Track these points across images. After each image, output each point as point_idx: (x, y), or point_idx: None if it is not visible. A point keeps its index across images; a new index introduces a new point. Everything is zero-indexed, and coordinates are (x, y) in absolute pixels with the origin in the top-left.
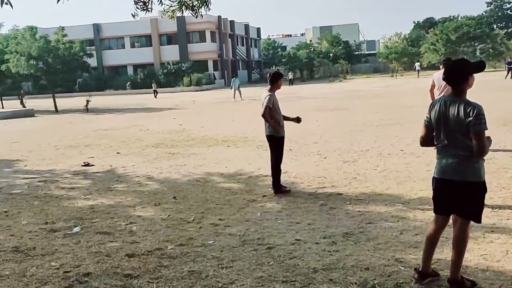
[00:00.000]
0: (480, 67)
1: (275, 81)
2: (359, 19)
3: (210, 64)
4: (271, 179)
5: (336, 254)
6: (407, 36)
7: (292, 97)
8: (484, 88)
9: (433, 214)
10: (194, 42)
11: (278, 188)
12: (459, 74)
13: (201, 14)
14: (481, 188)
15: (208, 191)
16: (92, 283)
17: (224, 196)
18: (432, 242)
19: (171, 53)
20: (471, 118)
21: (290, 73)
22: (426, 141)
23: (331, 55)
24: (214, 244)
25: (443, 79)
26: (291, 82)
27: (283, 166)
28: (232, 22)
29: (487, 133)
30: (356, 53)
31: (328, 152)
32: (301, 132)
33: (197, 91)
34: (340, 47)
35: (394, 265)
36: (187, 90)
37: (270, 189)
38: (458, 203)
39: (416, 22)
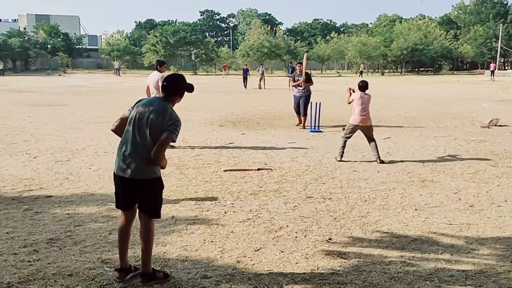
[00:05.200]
0: (191, 88)
1: None
2: (80, 11)
3: None
4: None
5: (37, 263)
6: (129, 35)
7: (2, 89)
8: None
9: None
10: None
11: None
12: (178, 87)
13: None
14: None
15: None
16: None
17: None
18: (124, 237)
19: None
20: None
21: (0, 62)
22: (118, 129)
23: (49, 46)
24: None
25: (162, 86)
26: (1, 72)
27: None
28: None
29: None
30: (78, 46)
31: (39, 151)
32: (8, 129)
33: None
34: (59, 39)
35: (100, 267)
36: None
37: None
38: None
39: (138, 22)
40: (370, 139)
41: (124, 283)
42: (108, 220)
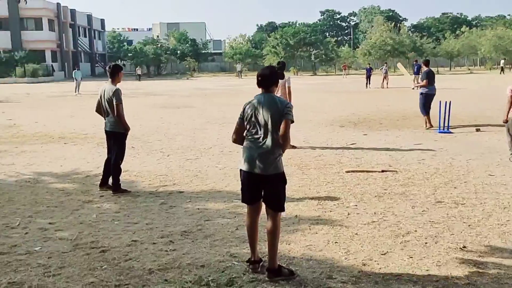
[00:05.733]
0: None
1: (116, 73)
2: (206, 18)
3: (48, 55)
4: (111, 178)
5: (173, 253)
6: (251, 38)
7: (138, 93)
8: (327, 91)
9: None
10: (29, 30)
11: (117, 188)
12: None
13: (25, 1)
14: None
15: (38, 192)
16: None
17: (57, 197)
18: (252, 230)
19: (1, 39)
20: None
21: (138, 68)
22: (238, 138)
23: (178, 52)
24: (42, 250)
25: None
26: (139, 77)
27: (125, 164)
28: (73, 11)
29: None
30: (203, 51)
31: (171, 149)
32: (144, 129)
33: (32, 83)
34: (187, 45)
35: (229, 260)
36: (21, 82)
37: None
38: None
39: (259, 26)
40: None
41: (252, 277)
42: (235, 216)
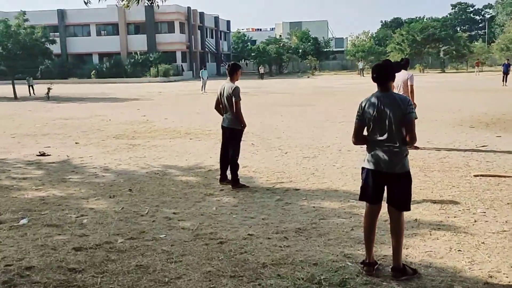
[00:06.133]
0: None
1: (234, 71)
2: (328, 16)
3: (179, 56)
4: (229, 173)
5: (286, 249)
6: (374, 35)
7: (259, 91)
8: (456, 89)
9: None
10: (163, 33)
11: (236, 183)
12: (391, 73)
13: (157, 5)
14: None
15: (165, 184)
16: (33, 277)
17: (181, 189)
18: (371, 230)
19: (138, 42)
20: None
21: (261, 67)
22: (359, 139)
23: (300, 51)
24: (166, 238)
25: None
26: (261, 76)
27: (244, 160)
28: (201, 14)
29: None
30: (325, 49)
31: (289, 147)
32: (264, 127)
33: (164, 82)
34: (309, 43)
35: (342, 260)
36: (154, 81)
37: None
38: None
39: (383, 22)
40: None
41: (366, 280)
42: (351, 217)
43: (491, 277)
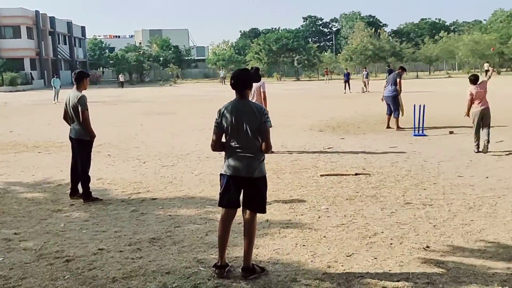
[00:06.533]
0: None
1: (81, 80)
2: (189, 25)
3: (27, 63)
4: (81, 187)
5: (139, 261)
6: (234, 44)
7: (119, 100)
8: (309, 96)
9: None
10: (7, 38)
11: (88, 196)
12: (248, 82)
13: None
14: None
15: (6, 202)
16: None
17: (25, 207)
18: (226, 234)
19: None
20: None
21: (121, 75)
22: (218, 145)
23: (161, 59)
24: (4, 261)
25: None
26: (122, 84)
27: (98, 172)
28: (52, 19)
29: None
30: (186, 58)
31: (148, 156)
32: (123, 137)
33: (11, 92)
34: (170, 52)
35: (195, 266)
36: None
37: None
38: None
39: (242, 32)
40: (487, 124)
41: (217, 283)
42: (206, 222)
43: (329, 267)
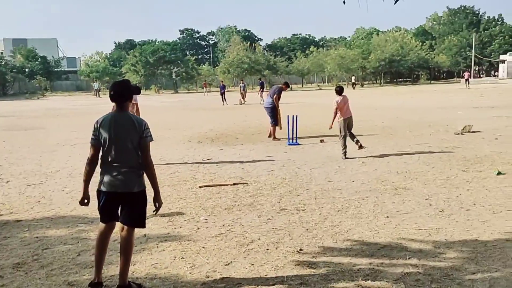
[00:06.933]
0: (138, 90)
1: None
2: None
3: None
4: None
5: None
6: (108, 56)
7: None
8: (187, 108)
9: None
10: None
11: None
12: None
13: None
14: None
15: None
16: None
17: None
18: (104, 249)
19: None
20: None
21: None
22: (96, 160)
23: (26, 70)
24: None
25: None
26: None
27: None
28: None
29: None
30: (56, 69)
31: (12, 175)
32: None
33: None
34: (37, 62)
35: None
36: None
37: None
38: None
39: (117, 43)
40: (350, 129)
41: None
42: (78, 242)
43: (208, 277)
